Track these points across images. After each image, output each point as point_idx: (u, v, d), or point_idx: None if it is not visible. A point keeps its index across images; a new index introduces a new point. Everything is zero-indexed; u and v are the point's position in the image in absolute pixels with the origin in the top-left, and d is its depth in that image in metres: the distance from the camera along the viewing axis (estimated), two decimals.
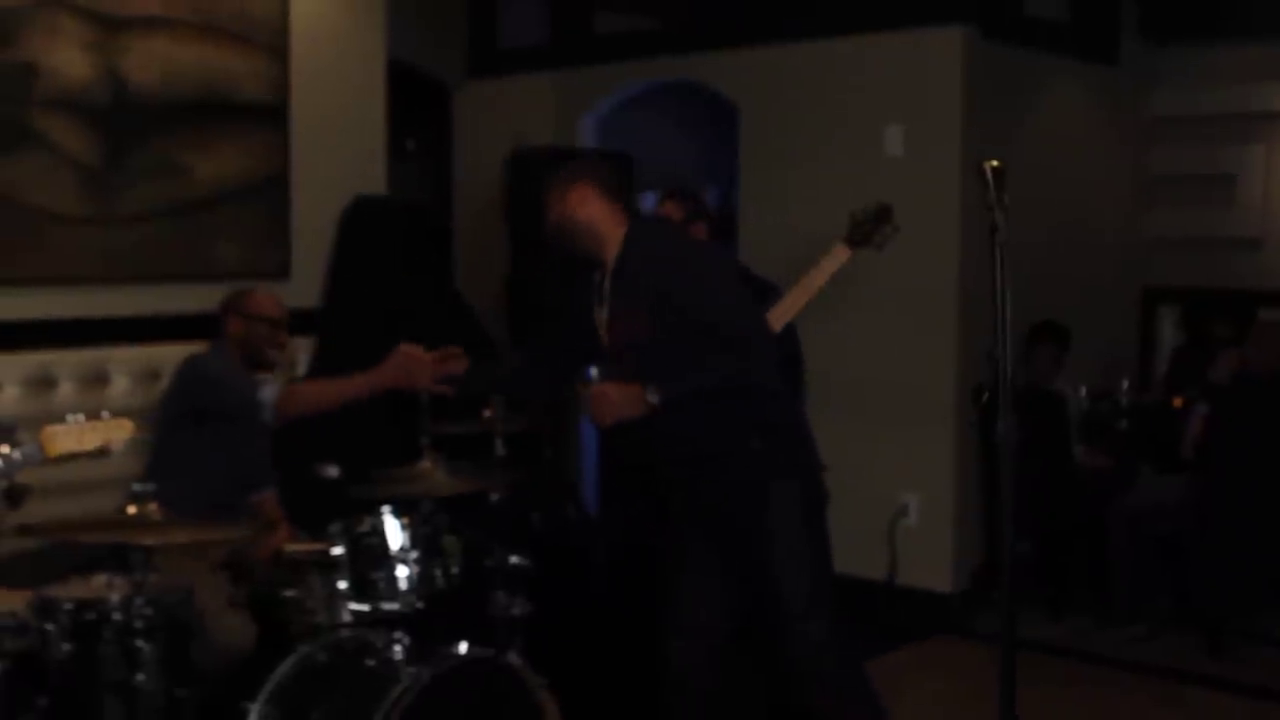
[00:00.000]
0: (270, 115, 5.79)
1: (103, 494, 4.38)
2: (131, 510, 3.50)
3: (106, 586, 3.50)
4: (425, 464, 4.09)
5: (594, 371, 3.41)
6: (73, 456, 3.32)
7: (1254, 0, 7.36)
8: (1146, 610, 6.25)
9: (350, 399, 4.58)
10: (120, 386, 5.19)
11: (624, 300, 3.84)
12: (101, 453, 3.35)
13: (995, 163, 2.75)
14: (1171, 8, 7.66)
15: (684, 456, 3.89)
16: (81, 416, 3.35)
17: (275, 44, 5.79)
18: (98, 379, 5.16)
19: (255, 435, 4.74)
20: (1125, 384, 6.84)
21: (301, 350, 5.75)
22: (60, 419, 4.92)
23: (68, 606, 3.46)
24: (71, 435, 3.30)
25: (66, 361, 5.11)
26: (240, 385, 4.72)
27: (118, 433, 3.36)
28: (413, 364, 4.35)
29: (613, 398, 3.70)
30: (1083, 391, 6.74)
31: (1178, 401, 6.59)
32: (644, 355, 3.79)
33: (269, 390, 4.78)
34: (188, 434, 4.54)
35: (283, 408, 4.76)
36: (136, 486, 3.55)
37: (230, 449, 4.61)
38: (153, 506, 3.49)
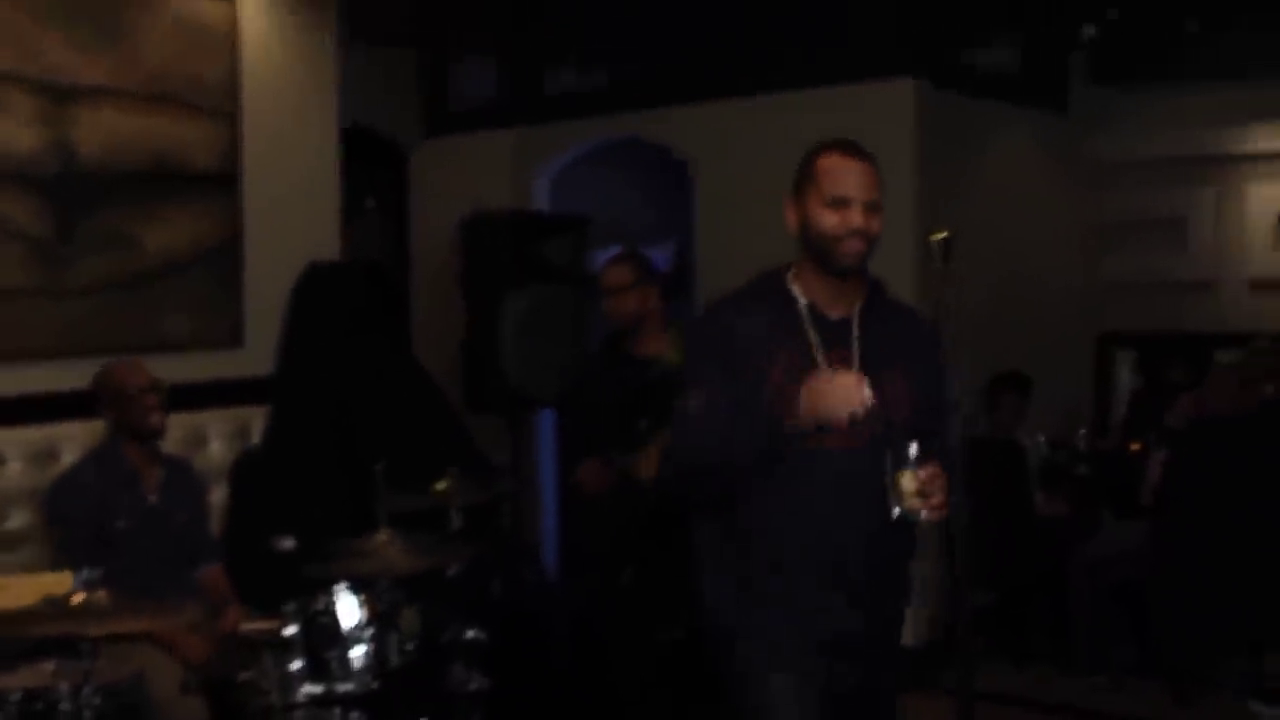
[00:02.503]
0: (222, 183, 5.77)
1: None
2: (79, 598, 3.44)
3: (54, 675, 3.44)
4: (381, 536, 4.05)
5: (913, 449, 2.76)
6: None
7: (1201, 44, 7.42)
8: (1110, 659, 6.24)
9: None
10: (70, 463, 5.13)
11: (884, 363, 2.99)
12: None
13: (943, 234, 2.78)
14: (1119, 54, 7.73)
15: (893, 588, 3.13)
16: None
17: (226, 112, 5.78)
18: (48, 456, 5.09)
19: (161, 530, 4.60)
20: (1083, 430, 6.86)
21: (255, 419, 5.71)
22: (9, 499, 4.92)
23: (15, 697, 3.40)
24: (9, 592, 3.28)
25: (15, 439, 5.04)
26: (98, 505, 4.49)
27: (56, 588, 3.34)
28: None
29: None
30: (1041, 439, 6.75)
31: (1135, 447, 6.60)
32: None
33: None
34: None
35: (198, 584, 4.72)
36: (84, 573, 3.50)
37: (134, 552, 4.45)
38: (101, 593, 3.43)
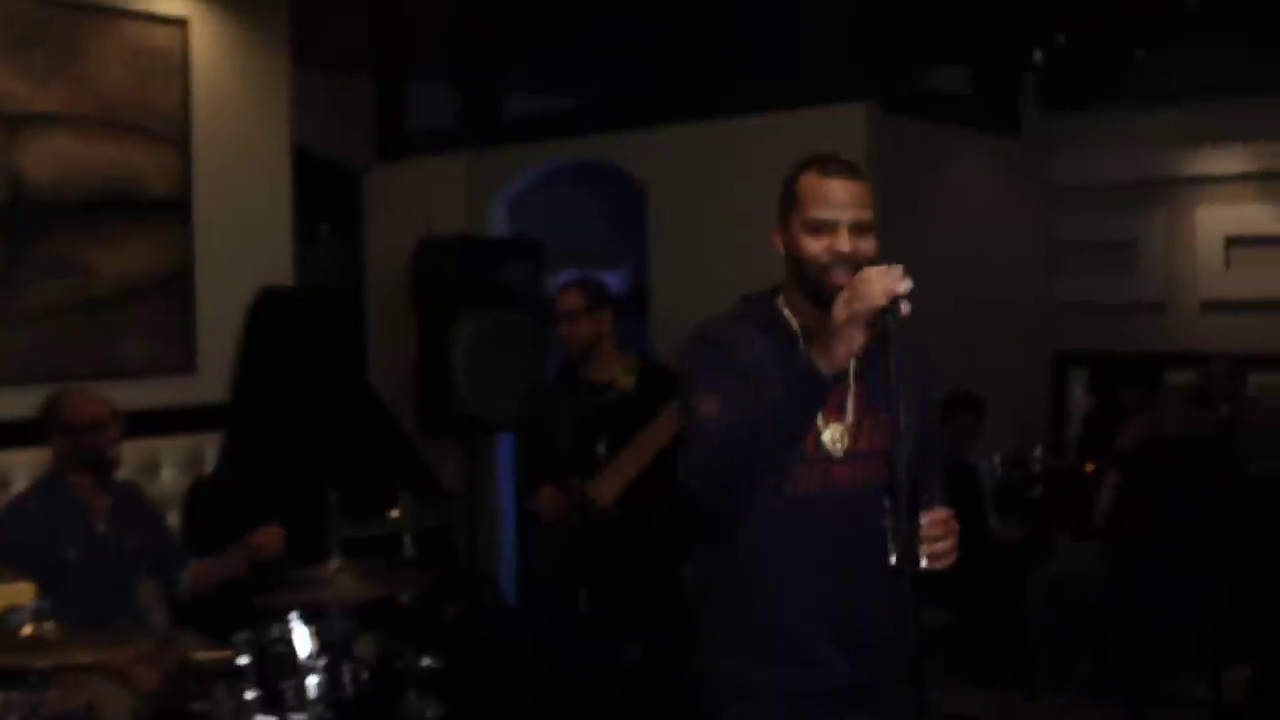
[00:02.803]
0: (174, 210, 5.75)
1: None
2: (28, 630, 3.40)
3: (3, 706, 3.40)
4: (334, 564, 4.02)
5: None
6: None
7: (1150, 68, 7.51)
8: (1070, 679, 6.27)
9: (229, 575, 4.60)
10: (20, 489, 5.08)
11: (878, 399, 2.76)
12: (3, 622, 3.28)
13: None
14: (1069, 77, 7.81)
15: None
16: None
17: (177, 138, 5.76)
18: (0, 483, 5.05)
19: (111, 559, 4.53)
20: (1038, 450, 6.89)
21: (208, 446, 5.67)
22: None
23: None
24: None
25: None
26: (45, 536, 4.41)
27: (17, 598, 3.30)
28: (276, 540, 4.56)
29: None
30: (996, 459, 6.78)
31: (1089, 467, 6.64)
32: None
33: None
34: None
35: (189, 588, 4.71)
36: (33, 604, 3.46)
37: (84, 582, 4.37)
38: (49, 625, 3.40)
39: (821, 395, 2.55)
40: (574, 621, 4.65)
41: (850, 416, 2.72)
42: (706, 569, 2.91)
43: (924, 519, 2.54)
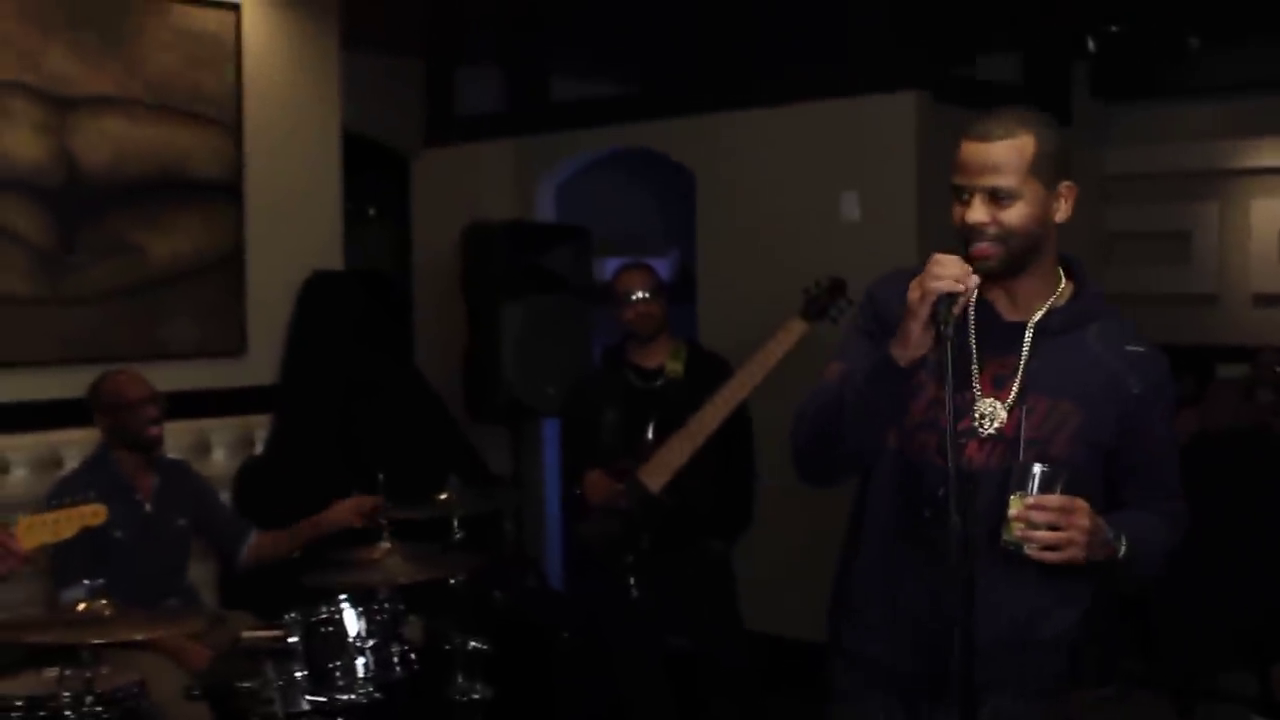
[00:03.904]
0: (224, 192, 5.77)
1: None
2: (82, 607, 3.44)
3: (58, 682, 3.44)
4: (383, 546, 4.04)
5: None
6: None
7: (1202, 59, 7.44)
8: (1116, 671, 6.22)
9: (304, 543, 4.61)
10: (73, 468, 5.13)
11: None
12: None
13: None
14: (1122, 68, 7.74)
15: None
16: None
17: (228, 121, 5.77)
18: (51, 463, 5.08)
19: (159, 538, 4.56)
20: None
21: (258, 428, 5.70)
22: (13, 506, 4.91)
23: (18, 703, 3.41)
24: (47, 526, 3.28)
25: (19, 446, 5.05)
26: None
27: (93, 519, 3.34)
28: (361, 507, 4.51)
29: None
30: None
31: None
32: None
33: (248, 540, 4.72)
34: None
35: (252, 559, 4.73)
36: (87, 582, 3.50)
37: (132, 561, 4.39)
38: (103, 602, 3.43)
39: (896, 383, 2.37)
40: (621, 607, 4.66)
41: (1012, 398, 2.48)
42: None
43: (1030, 499, 2.34)
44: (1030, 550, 2.36)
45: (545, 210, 7.71)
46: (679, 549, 4.64)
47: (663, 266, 7.96)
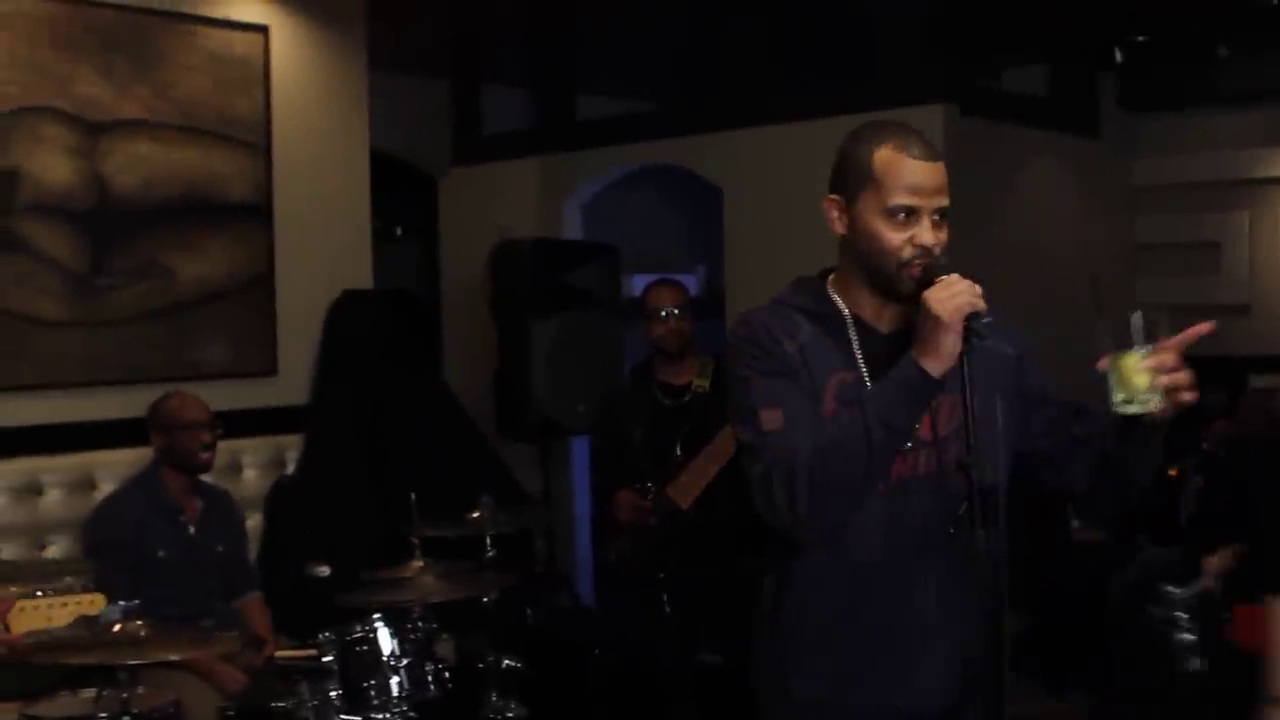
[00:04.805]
0: (254, 214, 5.80)
1: None
2: (117, 628, 3.45)
3: (94, 703, 3.45)
4: (416, 564, 4.05)
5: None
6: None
7: (1230, 69, 7.41)
8: (1150, 685, 6.18)
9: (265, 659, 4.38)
10: (107, 492, 5.14)
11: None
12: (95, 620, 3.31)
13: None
14: (1149, 79, 7.72)
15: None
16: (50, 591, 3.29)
17: (258, 143, 5.81)
18: (85, 484, 5.11)
19: (200, 561, 4.59)
20: None
21: (289, 448, 5.72)
22: (48, 527, 4.95)
23: None
24: (40, 613, 3.27)
25: (53, 467, 5.08)
26: (138, 534, 4.47)
27: (89, 609, 3.33)
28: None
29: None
30: None
31: (1173, 472, 6.56)
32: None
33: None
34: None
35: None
36: (122, 603, 3.50)
37: (173, 582, 4.43)
38: (138, 623, 3.44)
39: (933, 396, 2.33)
40: (653, 624, 4.65)
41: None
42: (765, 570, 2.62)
43: (1153, 349, 2.22)
44: (1159, 405, 2.23)
45: (572, 228, 7.72)
46: (709, 565, 4.63)
47: (691, 283, 7.96)
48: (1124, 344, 2.23)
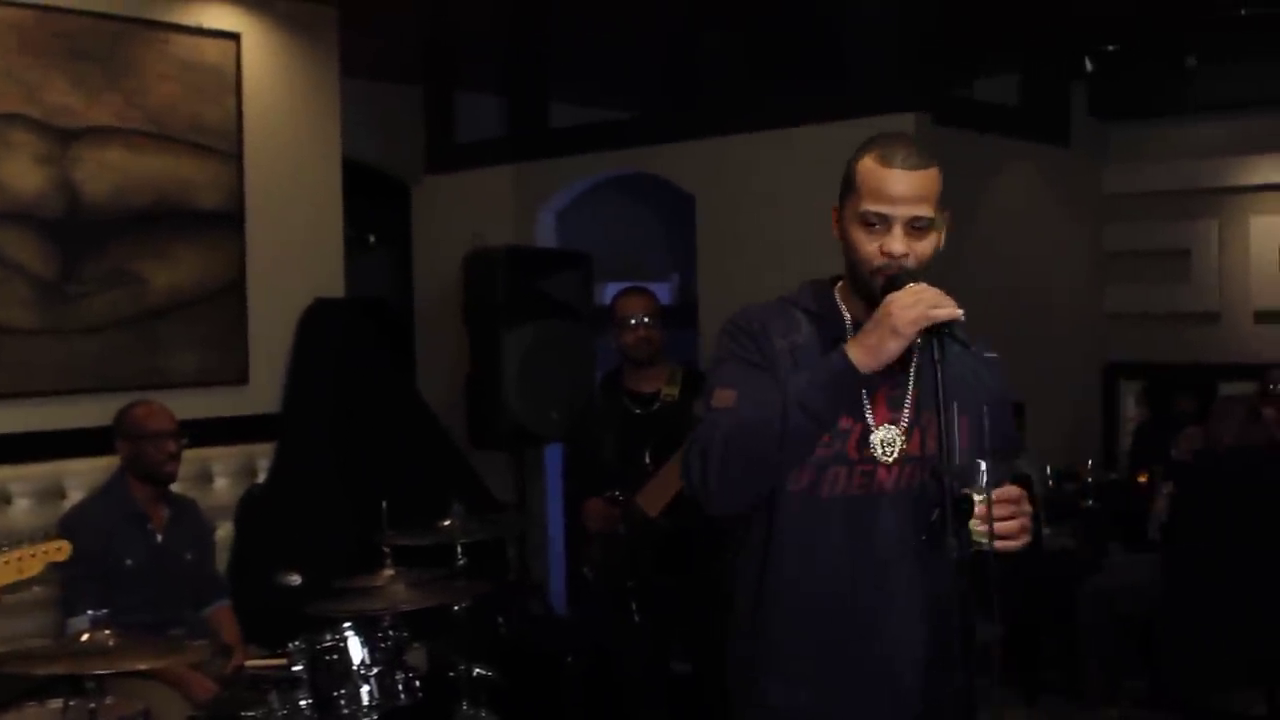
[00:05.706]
0: (226, 221, 5.78)
1: None
2: (86, 637, 3.43)
3: (62, 713, 3.43)
4: (387, 573, 4.04)
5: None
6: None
7: (1200, 78, 7.45)
8: (1120, 691, 6.20)
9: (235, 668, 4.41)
10: (77, 500, 5.12)
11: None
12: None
13: None
14: (1120, 88, 7.76)
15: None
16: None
17: (229, 150, 5.79)
18: (54, 493, 5.10)
19: (168, 569, 4.57)
20: (1090, 462, 6.84)
21: (260, 456, 5.70)
22: (18, 536, 4.91)
23: None
24: (10, 567, 3.25)
25: (23, 476, 5.06)
26: (106, 542, 4.46)
27: (57, 555, 3.32)
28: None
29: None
30: (1047, 470, 6.73)
31: (1142, 479, 6.59)
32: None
33: None
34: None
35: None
36: (91, 612, 3.49)
37: (142, 591, 4.44)
38: (106, 632, 3.42)
39: (850, 391, 2.38)
40: (625, 633, 4.65)
41: (906, 419, 2.50)
42: (736, 578, 2.66)
43: (991, 495, 2.28)
44: (997, 544, 2.31)
45: (545, 236, 7.72)
46: (679, 573, 4.63)
47: (664, 291, 7.97)
48: (969, 484, 2.30)
